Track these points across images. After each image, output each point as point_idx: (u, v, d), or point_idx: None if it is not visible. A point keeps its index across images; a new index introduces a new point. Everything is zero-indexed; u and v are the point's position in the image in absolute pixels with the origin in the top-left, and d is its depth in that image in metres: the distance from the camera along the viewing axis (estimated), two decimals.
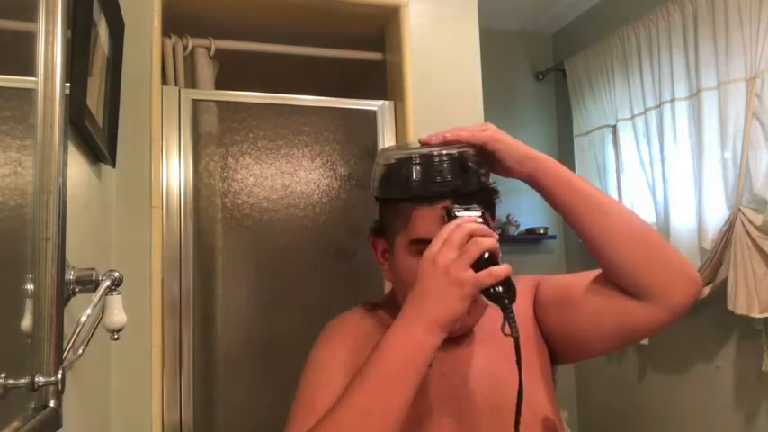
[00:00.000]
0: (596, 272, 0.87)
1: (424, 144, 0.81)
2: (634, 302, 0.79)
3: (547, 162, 0.82)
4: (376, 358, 0.69)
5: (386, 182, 0.81)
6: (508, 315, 0.70)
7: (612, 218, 0.80)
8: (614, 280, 0.81)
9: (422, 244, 0.75)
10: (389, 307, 0.90)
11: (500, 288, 0.69)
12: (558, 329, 0.87)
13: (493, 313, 0.85)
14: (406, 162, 0.78)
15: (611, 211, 0.81)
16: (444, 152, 0.78)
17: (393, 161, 0.80)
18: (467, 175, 0.78)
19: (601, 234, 0.80)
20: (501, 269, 0.68)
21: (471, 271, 0.67)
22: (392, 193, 0.81)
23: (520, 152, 0.82)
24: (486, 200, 0.79)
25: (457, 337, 0.85)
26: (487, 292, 0.69)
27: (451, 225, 0.70)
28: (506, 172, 0.84)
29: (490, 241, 0.69)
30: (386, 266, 0.86)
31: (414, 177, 0.77)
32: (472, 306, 0.75)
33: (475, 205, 0.76)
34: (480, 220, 0.73)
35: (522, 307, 0.89)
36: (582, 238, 0.83)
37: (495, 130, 0.82)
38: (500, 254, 0.71)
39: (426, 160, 0.77)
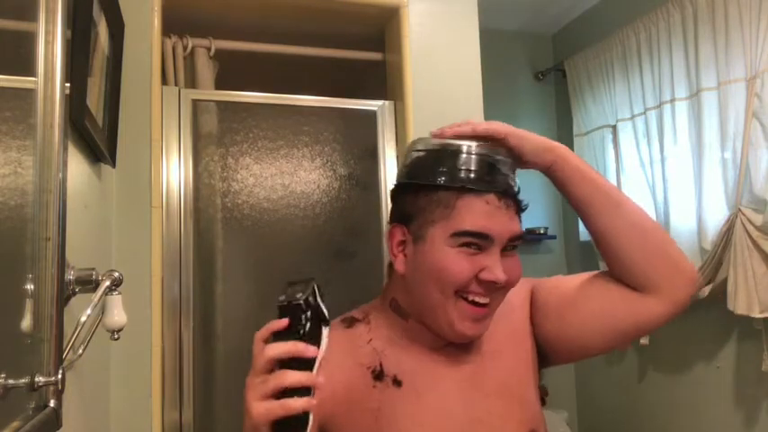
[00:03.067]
0: (594, 272, 0.88)
1: (436, 136, 0.80)
2: (637, 295, 0.81)
3: (565, 153, 0.84)
4: None
5: (427, 168, 0.77)
6: None
7: (624, 211, 0.82)
8: (620, 271, 0.83)
9: (467, 236, 0.74)
10: (373, 317, 0.86)
11: (293, 421, 0.59)
12: (558, 331, 0.86)
13: (497, 325, 0.84)
14: (456, 151, 0.77)
15: (624, 205, 0.83)
16: (493, 149, 0.78)
17: (439, 147, 0.78)
18: (511, 178, 0.79)
19: (613, 226, 0.82)
20: (297, 404, 0.59)
21: (265, 403, 0.60)
22: (435, 179, 0.76)
23: (538, 145, 0.83)
24: (520, 207, 0.81)
25: (461, 347, 0.84)
26: (279, 426, 0.59)
27: (259, 345, 0.63)
28: (524, 165, 0.84)
29: (293, 376, 0.60)
30: (400, 258, 0.80)
31: (467, 167, 0.76)
32: (463, 308, 0.76)
33: (313, 282, 0.66)
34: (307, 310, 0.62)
35: (517, 313, 0.89)
36: (591, 230, 0.85)
37: (502, 124, 0.82)
38: (315, 376, 0.61)
39: (481, 152, 0.77)
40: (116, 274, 0.83)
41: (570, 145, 2.75)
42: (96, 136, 1.00)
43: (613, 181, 2.52)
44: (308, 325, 0.62)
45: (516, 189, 0.80)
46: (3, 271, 0.53)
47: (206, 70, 1.61)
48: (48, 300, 0.54)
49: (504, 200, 0.77)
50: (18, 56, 0.54)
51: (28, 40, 0.54)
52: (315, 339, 0.62)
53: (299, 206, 1.53)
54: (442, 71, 1.63)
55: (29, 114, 0.54)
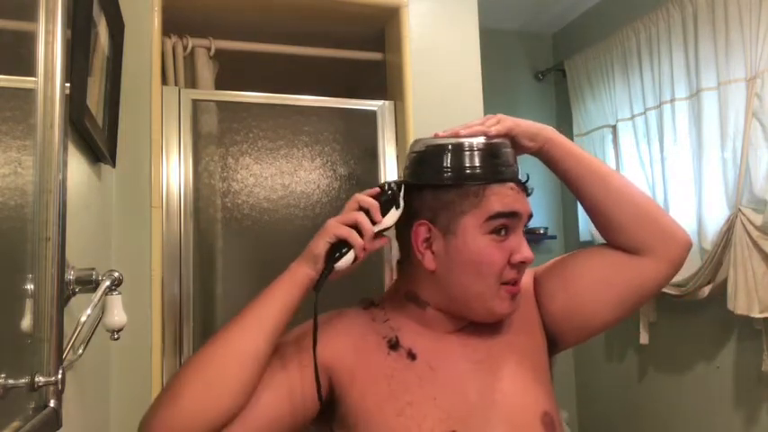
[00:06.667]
0: (591, 246, 0.95)
1: (445, 137, 0.86)
2: (635, 258, 0.88)
3: (552, 134, 0.91)
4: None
5: (445, 165, 0.83)
6: (323, 273, 0.81)
7: (612, 182, 0.90)
8: (613, 237, 0.90)
9: (500, 218, 0.81)
10: (388, 305, 0.90)
11: (344, 247, 0.80)
12: (564, 307, 0.90)
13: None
14: (478, 146, 0.83)
15: (611, 177, 0.91)
16: (503, 142, 0.86)
17: (458, 145, 0.84)
18: (517, 166, 0.87)
19: (603, 196, 0.89)
20: (345, 229, 0.79)
21: (339, 224, 0.81)
22: (462, 177, 0.82)
23: (531, 131, 0.90)
24: (527, 191, 0.87)
25: (476, 333, 0.87)
26: (332, 245, 0.81)
27: (356, 198, 0.83)
28: (520, 150, 0.90)
29: (363, 218, 0.80)
30: (428, 255, 0.84)
31: (490, 160, 0.83)
32: (503, 293, 0.82)
33: (403, 184, 0.85)
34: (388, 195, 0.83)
35: (524, 300, 0.91)
36: (584, 203, 0.92)
37: (504, 117, 0.89)
38: (380, 224, 0.81)
39: (497, 146, 0.85)
40: (116, 274, 0.83)
41: None
42: (96, 136, 1.00)
43: None
44: (384, 199, 0.83)
45: (523, 176, 0.88)
46: (3, 271, 0.53)
47: (206, 70, 1.61)
48: (48, 300, 0.54)
49: (519, 185, 0.85)
50: (18, 56, 0.54)
51: (28, 40, 0.54)
52: (385, 212, 0.83)
53: (299, 206, 1.53)
54: (442, 71, 1.63)
55: (29, 114, 0.54)
